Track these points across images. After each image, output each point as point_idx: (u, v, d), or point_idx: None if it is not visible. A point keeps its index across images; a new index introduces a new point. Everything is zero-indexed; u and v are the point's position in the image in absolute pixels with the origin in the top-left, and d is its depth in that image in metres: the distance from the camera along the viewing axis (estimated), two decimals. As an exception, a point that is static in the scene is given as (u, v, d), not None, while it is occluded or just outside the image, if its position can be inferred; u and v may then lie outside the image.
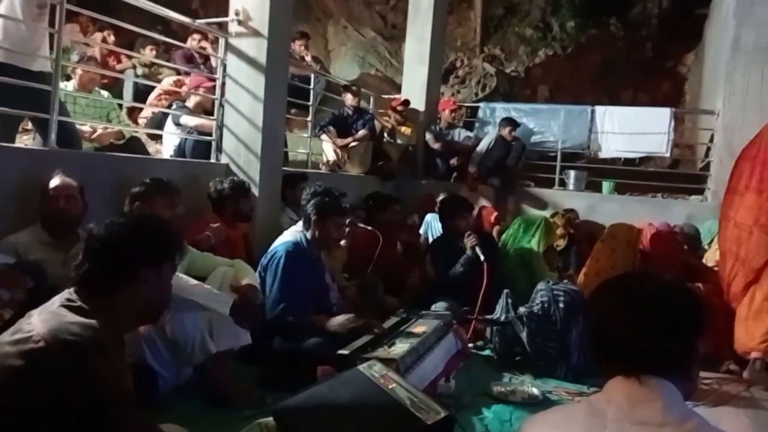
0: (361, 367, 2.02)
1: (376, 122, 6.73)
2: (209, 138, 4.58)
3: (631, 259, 4.16)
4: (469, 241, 4.37)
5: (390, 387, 1.88)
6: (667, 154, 6.99)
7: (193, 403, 2.62)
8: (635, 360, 1.11)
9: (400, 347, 2.84)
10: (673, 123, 6.73)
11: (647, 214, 5.94)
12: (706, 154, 7.18)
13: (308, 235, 3.42)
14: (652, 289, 1.15)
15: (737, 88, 6.42)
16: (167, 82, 5.78)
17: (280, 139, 4.81)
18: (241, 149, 4.44)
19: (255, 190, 4.31)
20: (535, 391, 3.11)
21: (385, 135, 7.04)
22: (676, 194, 6.99)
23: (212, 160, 4.54)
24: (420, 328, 3.22)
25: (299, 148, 6.46)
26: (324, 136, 6.21)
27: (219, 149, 4.54)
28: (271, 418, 1.94)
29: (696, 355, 1.16)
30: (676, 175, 7.43)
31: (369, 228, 4.40)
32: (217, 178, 4.03)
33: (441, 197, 5.70)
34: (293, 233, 3.55)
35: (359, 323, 3.11)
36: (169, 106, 5.21)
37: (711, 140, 6.87)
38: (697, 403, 3.27)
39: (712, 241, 5.28)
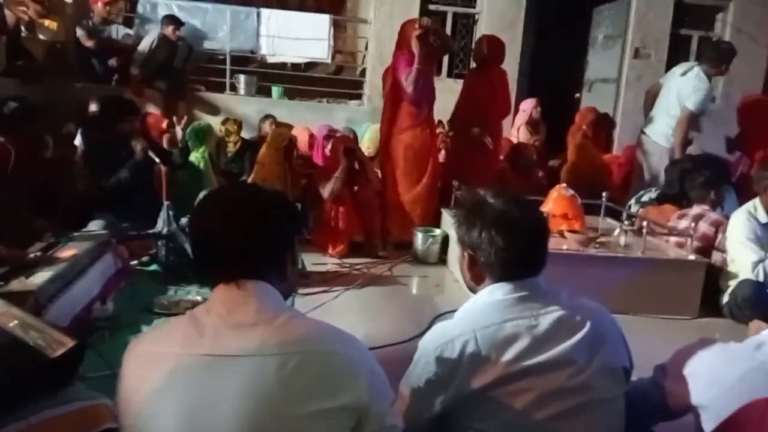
0: (-28, 309, 1.74)
1: (7, 13, 5.62)
2: None
3: (283, 164, 4.44)
4: (139, 143, 4.14)
5: (10, 325, 1.67)
6: (329, 60, 7.38)
7: None
8: (233, 266, 1.15)
9: (41, 276, 2.55)
10: (332, 30, 7.09)
11: (314, 119, 6.29)
12: (363, 61, 7.81)
13: None
14: (248, 198, 1.20)
15: (386, -3, 7.03)
16: None
17: None
18: None
19: None
20: (200, 299, 3.14)
21: (23, 29, 5.96)
22: (339, 99, 7.52)
23: None
24: (69, 251, 2.93)
25: None
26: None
27: None
28: None
29: (292, 256, 1.26)
30: (339, 80, 7.94)
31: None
32: None
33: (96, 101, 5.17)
34: None
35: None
36: None
37: (366, 48, 7.47)
38: (348, 287, 3.73)
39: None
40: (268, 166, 4.48)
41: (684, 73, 4.84)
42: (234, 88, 7.19)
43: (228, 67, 7.11)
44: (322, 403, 1.06)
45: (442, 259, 4.38)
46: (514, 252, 1.42)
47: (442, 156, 5.26)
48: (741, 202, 4.21)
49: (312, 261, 4.06)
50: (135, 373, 1.11)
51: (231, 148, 5.57)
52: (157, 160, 4.26)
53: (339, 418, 1.08)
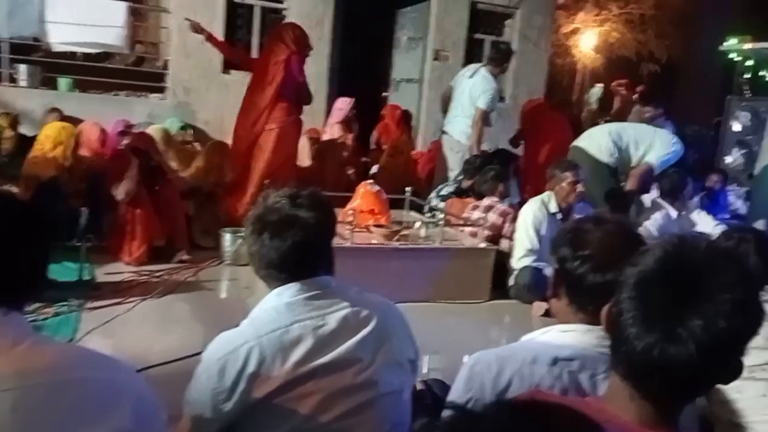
0: None
1: None
2: None
3: (58, 160, 4.06)
4: None
5: None
6: (126, 50, 6.81)
7: None
8: None
9: None
10: (131, 18, 6.55)
11: (110, 113, 5.79)
12: (167, 53, 7.34)
13: None
14: None
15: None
16: None
17: None
18: None
19: None
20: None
21: None
22: (140, 92, 6.99)
23: None
24: None
25: None
26: None
27: None
28: None
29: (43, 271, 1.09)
30: (139, 72, 7.36)
31: None
32: None
33: None
34: None
35: None
36: None
37: (170, 39, 7.02)
38: (145, 297, 3.46)
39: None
40: (41, 162, 4.02)
41: (472, 75, 5.23)
42: (13, 80, 6.37)
43: (5, 55, 6.27)
44: None
45: (252, 260, 4.25)
46: (291, 254, 1.38)
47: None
48: (522, 193, 4.67)
49: (105, 271, 3.71)
50: None
51: (6, 146, 4.90)
52: None
53: None
